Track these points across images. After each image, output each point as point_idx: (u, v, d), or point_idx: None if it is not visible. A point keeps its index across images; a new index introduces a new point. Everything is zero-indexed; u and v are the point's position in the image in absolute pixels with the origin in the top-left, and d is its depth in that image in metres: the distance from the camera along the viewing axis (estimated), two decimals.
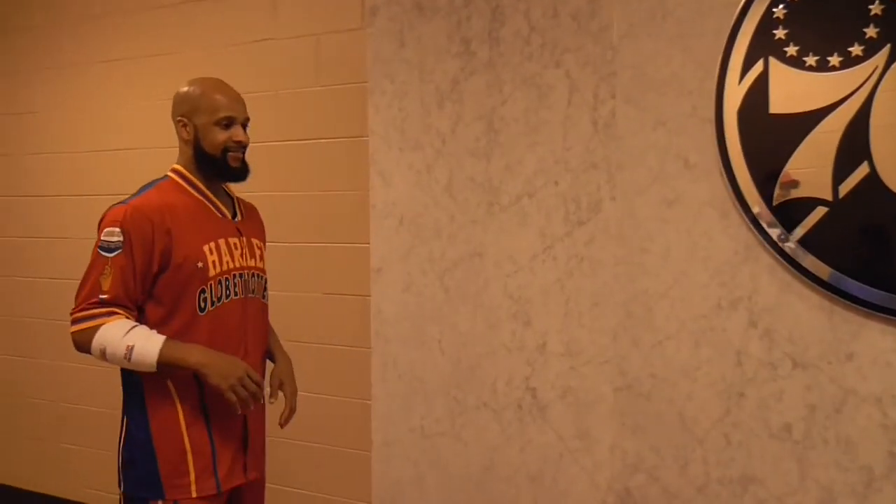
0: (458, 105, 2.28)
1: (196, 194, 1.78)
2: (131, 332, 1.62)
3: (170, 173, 1.80)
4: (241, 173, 1.78)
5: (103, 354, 1.63)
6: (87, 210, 3.13)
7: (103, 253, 1.65)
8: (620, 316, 2.07)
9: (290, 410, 1.85)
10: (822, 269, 1.83)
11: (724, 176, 1.92)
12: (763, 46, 1.86)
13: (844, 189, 1.79)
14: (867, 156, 1.76)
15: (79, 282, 1.70)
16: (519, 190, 2.20)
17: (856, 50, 1.77)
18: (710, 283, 1.96)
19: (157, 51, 2.91)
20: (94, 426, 3.15)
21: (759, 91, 1.87)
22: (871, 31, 1.76)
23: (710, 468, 1.99)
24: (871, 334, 1.80)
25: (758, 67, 1.87)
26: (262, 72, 2.69)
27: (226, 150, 1.74)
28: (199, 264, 1.69)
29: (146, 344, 1.61)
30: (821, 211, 1.82)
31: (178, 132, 1.78)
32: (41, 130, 3.25)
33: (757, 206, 1.88)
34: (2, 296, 3.40)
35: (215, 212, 1.80)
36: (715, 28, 1.93)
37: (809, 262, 1.84)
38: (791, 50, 1.84)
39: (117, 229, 1.65)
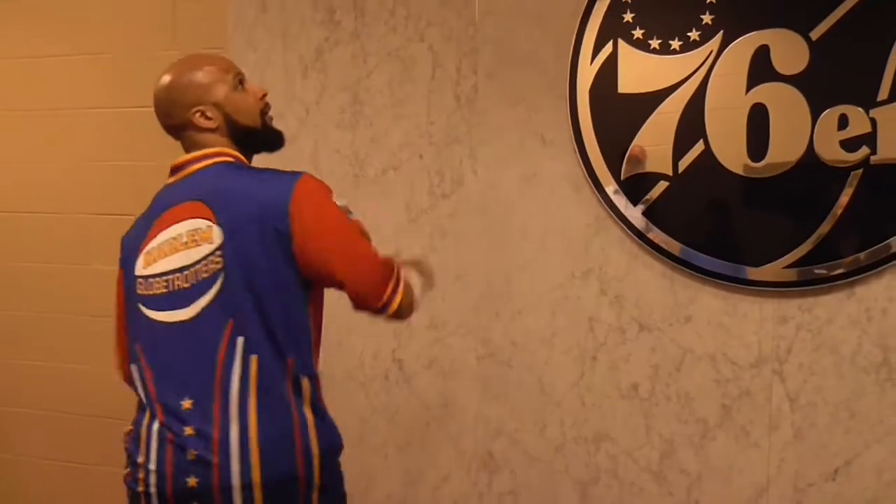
0: (323, 75, 2.25)
1: None
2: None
3: (235, 158, 1.44)
4: (282, 135, 1.52)
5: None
6: None
7: (353, 217, 1.40)
8: (482, 288, 2.14)
9: None
10: (664, 240, 1.97)
11: (577, 152, 2.01)
12: (613, 29, 1.96)
13: (683, 165, 1.93)
14: (703, 134, 1.91)
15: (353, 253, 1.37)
16: (384, 162, 2.20)
17: (694, 35, 1.91)
18: (565, 254, 2.06)
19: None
20: None
21: (608, 71, 1.97)
22: (706, 18, 1.90)
23: (567, 429, 2.10)
24: (706, 298, 1.97)
25: (608, 48, 1.97)
26: (114, 33, 2.52)
27: (262, 112, 1.47)
28: None
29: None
30: (662, 185, 1.95)
31: (197, 125, 1.43)
32: None
33: (606, 181, 1.99)
34: None
35: None
36: (571, 8, 2.00)
37: (653, 233, 1.97)
38: (637, 33, 1.95)
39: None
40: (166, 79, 1.46)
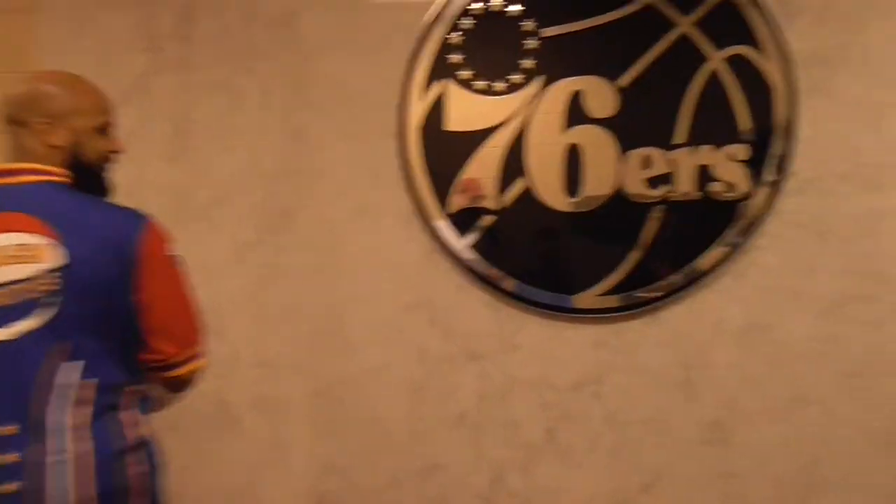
0: (146, 104, 2.14)
1: None
2: None
3: (68, 180, 1.38)
4: (111, 188, 1.47)
5: None
6: None
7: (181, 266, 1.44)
8: (314, 323, 2.10)
9: None
10: (491, 271, 2.04)
11: (407, 187, 2.05)
12: (441, 69, 2.03)
13: (507, 200, 2.02)
14: (524, 171, 2.02)
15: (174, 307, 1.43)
16: (210, 196, 2.12)
17: (516, 78, 2.02)
18: (396, 287, 2.08)
19: None
20: None
21: (437, 109, 2.04)
22: (528, 63, 2.02)
23: (399, 462, 2.10)
24: (532, 327, 2.06)
25: (436, 87, 2.04)
26: None
27: (106, 160, 1.44)
28: None
29: None
30: (488, 219, 2.03)
31: (39, 134, 1.36)
32: None
33: (435, 215, 2.04)
34: None
35: None
36: (401, 48, 2.06)
37: (480, 265, 2.04)
38: (465, 74, 2.03)
39: None
40: (50, 77, 1.41)
